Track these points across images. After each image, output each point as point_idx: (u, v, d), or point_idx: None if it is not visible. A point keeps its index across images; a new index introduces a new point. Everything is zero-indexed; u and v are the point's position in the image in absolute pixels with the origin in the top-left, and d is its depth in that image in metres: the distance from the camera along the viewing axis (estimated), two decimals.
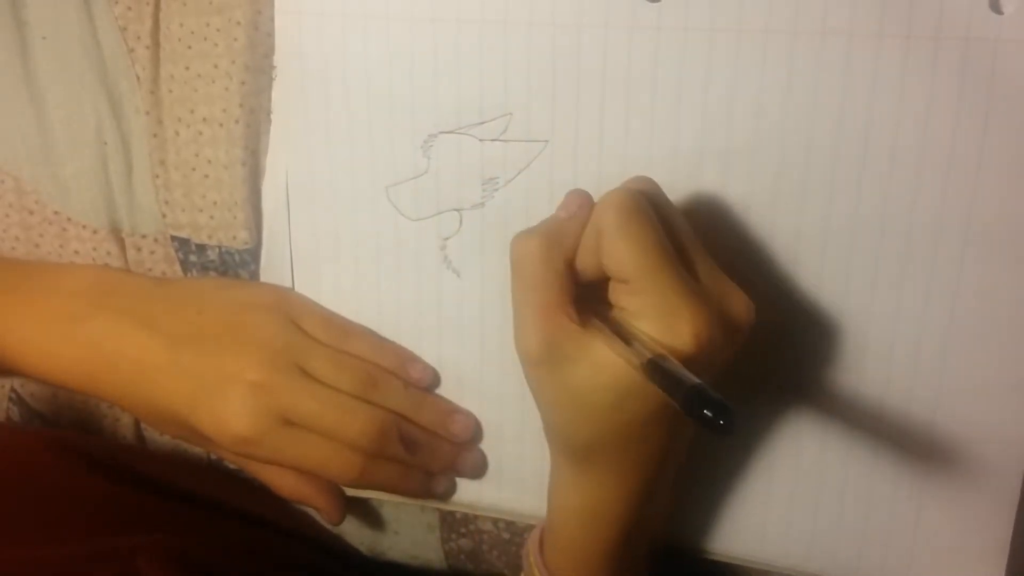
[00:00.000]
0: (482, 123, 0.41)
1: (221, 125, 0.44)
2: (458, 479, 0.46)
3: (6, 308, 0.44)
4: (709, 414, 0.27)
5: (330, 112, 0.43)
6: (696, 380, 0.29)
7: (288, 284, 0.45)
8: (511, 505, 0.46)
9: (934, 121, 0.36)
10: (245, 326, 0.43)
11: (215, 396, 0.41)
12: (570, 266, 0.35)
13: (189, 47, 0.44)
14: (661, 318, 0.32)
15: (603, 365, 0.33)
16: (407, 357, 0.45)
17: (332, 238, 0.44)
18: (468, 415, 0.45)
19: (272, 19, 0.42)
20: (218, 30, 0.43)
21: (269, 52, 0.43)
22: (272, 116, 0.44)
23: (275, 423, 0.41)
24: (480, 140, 0.41)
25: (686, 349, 0.32)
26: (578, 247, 0.35)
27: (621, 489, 0.36)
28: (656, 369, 0.30)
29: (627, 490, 0.36)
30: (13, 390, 0.50)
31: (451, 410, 0.45)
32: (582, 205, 0.35)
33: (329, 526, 0.49)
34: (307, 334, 0.43)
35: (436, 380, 0.45)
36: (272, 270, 0.46)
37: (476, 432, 0.45)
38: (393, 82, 0.41)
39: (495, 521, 0.48)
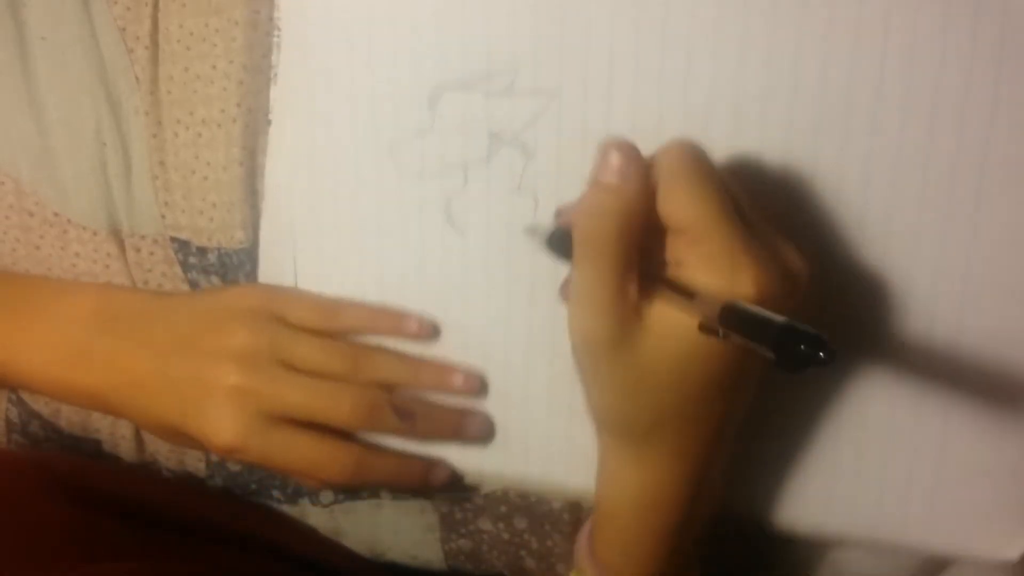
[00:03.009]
0: (489, 77, 0.40)
1: (219, 126, 0.44)
2: (459, 457, 0.45)
3: (7, 332, 0.44)
4: (807, 350, 0.25)
5: (333, 72, 0.42)
6: (781, 318, 0.27)
7: (290, 251, 0.45)
8: (517, 474, 0.44)
9: (949, 62, 0.36)
10: (222, 332, 0.43)
11: (199, 406, 0.41)
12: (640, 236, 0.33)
13: (188, 48, 0.44)
14: (722, 268, 0.31)
15: (665, 335, 0.32)
16: (401, 315, 0.44)
17: (333, 202, 0.43)
18: (469, 369, 0.43)
19: (270, 19, 0.43)
20: (216, 30, 0.43)
21: (267, 52, 0.43)
22: (276, 79, 0.43)
23: (262, 425, 0.41)
24: (486, 94, 0.40)
25: (749, 300, 0.30)
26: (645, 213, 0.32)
27: (680, 468, 0.35)
28: (734, 314, 0.28)
29: (686, 469, 0.35)
30: (12, 390, 0.50)
31: (450, 368, 0.43)
32: (631, 161, 0.32)
33: (329, 531, 0.49)
34: (290, 325, 0.43)
35: (435, 332, 0.44)
36: (273, 245, 0.45)
37: (480, 386, 0.43)
38: (398, 36, 0.40)
39: (495, 521, 0.47)
